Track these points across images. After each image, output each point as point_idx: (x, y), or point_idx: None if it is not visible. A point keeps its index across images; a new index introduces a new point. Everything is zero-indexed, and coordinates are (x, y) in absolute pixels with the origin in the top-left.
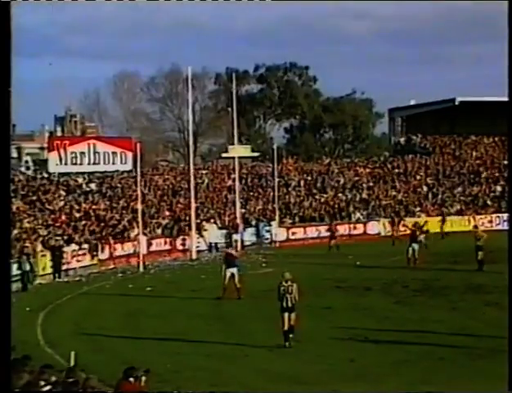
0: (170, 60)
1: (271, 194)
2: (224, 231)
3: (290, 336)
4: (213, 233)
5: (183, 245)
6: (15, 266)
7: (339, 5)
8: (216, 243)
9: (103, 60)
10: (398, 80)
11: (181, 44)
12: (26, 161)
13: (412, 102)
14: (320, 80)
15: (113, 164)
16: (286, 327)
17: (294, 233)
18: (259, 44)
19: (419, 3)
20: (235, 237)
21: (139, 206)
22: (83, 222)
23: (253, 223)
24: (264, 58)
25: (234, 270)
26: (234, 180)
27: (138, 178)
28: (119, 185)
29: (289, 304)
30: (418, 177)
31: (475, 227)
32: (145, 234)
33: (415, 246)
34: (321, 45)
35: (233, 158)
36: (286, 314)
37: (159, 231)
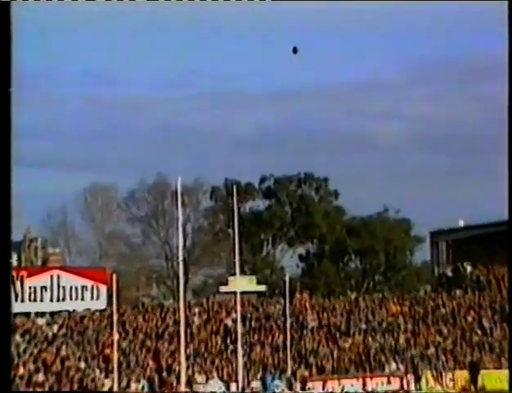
0: (154, 169)
1: (282, 338)
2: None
3: None
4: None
5: None
6: None
7: (362, 104)
8: None
9: (70, 169)
10: (442, 196)
11: (168, 150)
12: None
13: (461, 224)
14: (342, 195)
15: (82, 300)
16: None
17: (310, 389)
18: (265, 150)
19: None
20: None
21: (115, 354)
22: (41, 376)
23: (259, 375)
24: (272, 167)
25: None
26: (235, 321)
27: (114, 319)
28: (89, 327)
29: None
30: (469, 318)
31: None
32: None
33: None
34: (343, 152)
35: (234, 293)
36: None
37: (138, 385)
